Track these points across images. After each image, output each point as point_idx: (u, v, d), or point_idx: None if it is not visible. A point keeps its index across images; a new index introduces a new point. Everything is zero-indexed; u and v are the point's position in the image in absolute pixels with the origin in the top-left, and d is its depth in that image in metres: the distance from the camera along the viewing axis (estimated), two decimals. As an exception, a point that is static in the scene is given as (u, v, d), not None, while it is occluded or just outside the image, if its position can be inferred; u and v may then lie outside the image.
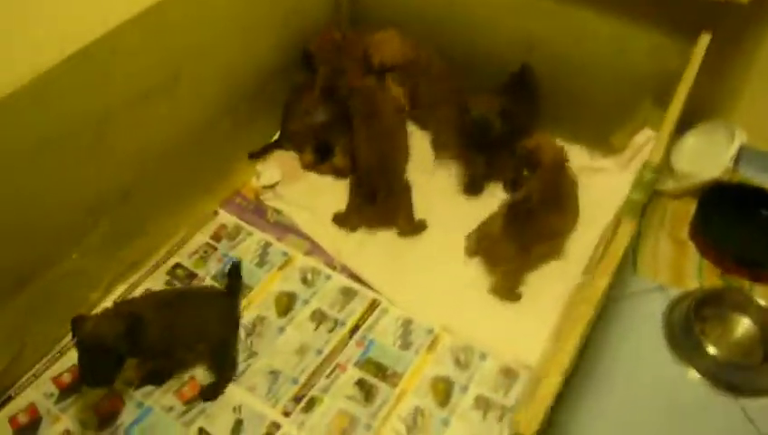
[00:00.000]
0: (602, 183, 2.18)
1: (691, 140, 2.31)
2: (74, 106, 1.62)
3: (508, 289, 1.91)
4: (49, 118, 1.58)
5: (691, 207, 2.20)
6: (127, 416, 1.68)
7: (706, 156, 2.24)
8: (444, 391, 1.74)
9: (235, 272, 1.88)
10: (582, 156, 2.24)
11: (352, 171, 2.13)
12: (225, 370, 1.74)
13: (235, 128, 2.19)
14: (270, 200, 2.22)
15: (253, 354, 1.82)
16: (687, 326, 1.85)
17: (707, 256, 2.07)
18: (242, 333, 1.86)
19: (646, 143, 2.18)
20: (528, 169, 2.00)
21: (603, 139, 2.29)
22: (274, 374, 1.78)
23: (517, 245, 1.84)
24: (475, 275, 1.99)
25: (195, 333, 1.68)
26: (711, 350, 1.79)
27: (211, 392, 1.72)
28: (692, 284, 2.02)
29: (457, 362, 1.80)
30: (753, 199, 2.16)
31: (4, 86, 1.45)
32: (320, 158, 2.30)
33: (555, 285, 1.93)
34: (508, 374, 1.77)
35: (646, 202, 1.37)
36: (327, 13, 2.43)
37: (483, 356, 1.81)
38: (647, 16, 1.97)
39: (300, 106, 2.27)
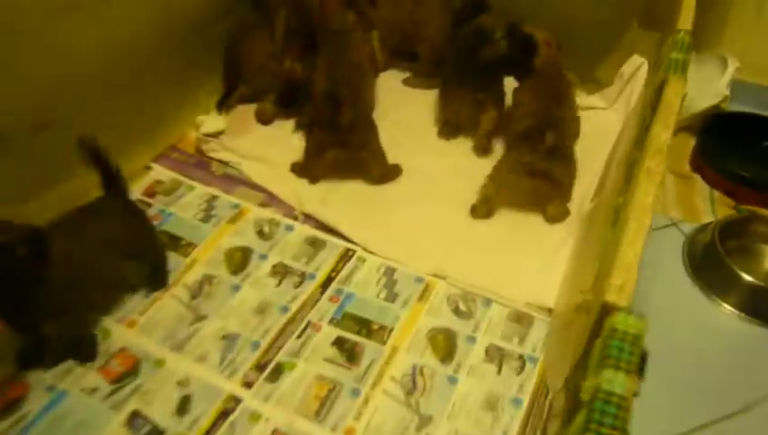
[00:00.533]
0: (592, 123, 1.95)
1: (691, 69, 2.11)
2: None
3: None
4: None
5: (689, 141, 1.99)
6: (33, 403, 1.27)
7: (699, 87, 2.04)
8: (445, 344, 1.41)
9: (98, 158, 1.35)
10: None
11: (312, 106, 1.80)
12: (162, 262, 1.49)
13: (171, 71, 1.83)
14: (214, 152, 1.86)
15: (200, 318, 1.44)
16: (715, 258, 1.59)
17: (718, 186, 1.84)
18: (185, 294, 1.48)
19: (636, 73, 1.96)
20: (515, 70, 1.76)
21: (587, 73, 2.06)
22: (230, 339, 1.40)
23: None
24: (465, 217, 1.69)
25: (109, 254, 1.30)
26: (746, 278, 1.53)
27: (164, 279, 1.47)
28: (706, 217, 1.79)
29: (457, 311, 1.47)
30: (754, 127, 1.96)
31: None
32: (283, 109, 1.97)
33: (554, 229, 1.66)
34: (520, 320, 1.46)
35: (688, 62, 1.11)
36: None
37: (487, 302, 1.49)
38: None
39: (257, 48, 1.94)
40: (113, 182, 1.38)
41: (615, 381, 0.63)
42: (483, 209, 1.67)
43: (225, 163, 1.84)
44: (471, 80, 1.81)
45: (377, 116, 1.83)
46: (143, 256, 1.43)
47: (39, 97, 1.47)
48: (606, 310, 0.69)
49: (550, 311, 1.46)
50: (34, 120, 1.48)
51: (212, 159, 1.86)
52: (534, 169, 1.57)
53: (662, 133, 0.92)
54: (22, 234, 1.06)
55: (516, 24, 1.73)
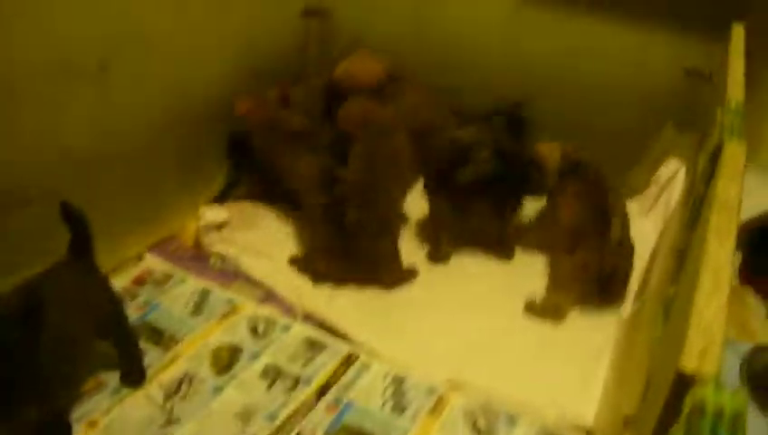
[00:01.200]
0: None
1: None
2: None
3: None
4: None
5: (734, 257, 1.80)
6: None
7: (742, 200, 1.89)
8: (461, 468, 1.17)
9: (72, 216, 1.20)
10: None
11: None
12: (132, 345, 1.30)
13: (173, 156, 1.74)
14: (214, 245, 1.71)
15: (173, 422, 1.22)
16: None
17: (773, 300, 1.63)
18: (158, 393, 1.28)
19: (673, 177, 1.82)
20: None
21: (619, 177, 1.92)
22: (204, 447, 1.17)
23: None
24: (488, 320, 1.49)
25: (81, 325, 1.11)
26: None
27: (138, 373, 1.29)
28: (762, 334, 1.56)
29: (476, 429, 1.24)
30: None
31: None
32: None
33: (592, 334, 1.45)
34: (552, 441, 1.21)
35: (743, 129, 0.97)
36: (296, 41, 2.11)
37: (511, 420, 1.26)
38: (662, 17, 1.70)
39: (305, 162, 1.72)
40: (81, 243, 1.22)
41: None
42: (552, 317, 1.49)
43: (224, 258, 1.68)
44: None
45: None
46: (108, 332, 1.24)
47: (23, 167, 1.36)
48: (684, 383, 0.50)
49: (588, 433, 1.22)
50: (17, 194, 1.36)
51: (211, 252, 1.70)
52: (603, 273, 1.40)
53: (729, 188, 0.75)
54: (15, 303, 0.90)
55: (503, 140, 1.59)
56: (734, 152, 0.86)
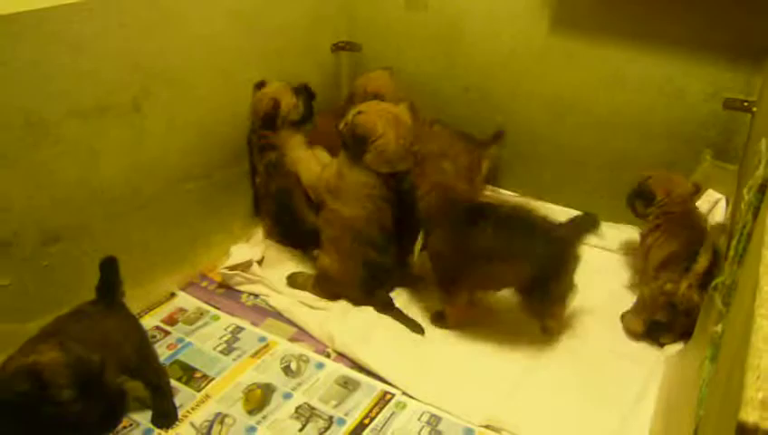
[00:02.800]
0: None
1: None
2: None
3: None
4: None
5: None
6: None
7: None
8: None
9: (108, 268, 1.24)
10: (634, 235, 1.75)
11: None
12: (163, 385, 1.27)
13: (204, 196, 1.75)
14: (241, 284, 1.70)
15: (206, 464, 1.20)
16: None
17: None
18: None
19: (713, 209, 1.77)
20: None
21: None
22: (237, 492, 1.15)
23: None
24: (525, 359, 1.45)
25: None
26: None
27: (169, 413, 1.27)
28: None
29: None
30: None
31: None
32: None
33: (635, 373, 1.40)
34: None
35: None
36: (327, 76, 2.14)
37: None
38: (699, 48, 1.67)
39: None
40: (108, 284, 1.22)
41: None
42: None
43: (256, 295, 1.68)
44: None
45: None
46: (138, 371, 1.23)
47: (53, 205, 1.38)
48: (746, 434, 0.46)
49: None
50: (46, 230, 1.38)
51: (242, 290, 1.69)
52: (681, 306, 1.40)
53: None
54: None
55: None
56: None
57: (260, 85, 1.80)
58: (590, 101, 1.84)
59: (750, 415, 0.48)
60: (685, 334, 1.42)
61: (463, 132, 1.92)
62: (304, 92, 1.82)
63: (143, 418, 1.30)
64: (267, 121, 1.75)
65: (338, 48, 2.13)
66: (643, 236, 1.63)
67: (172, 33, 1.56)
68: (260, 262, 1.77)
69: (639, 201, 1.65)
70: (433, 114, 1.92)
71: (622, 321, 1.54)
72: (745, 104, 1.65)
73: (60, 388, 0.95)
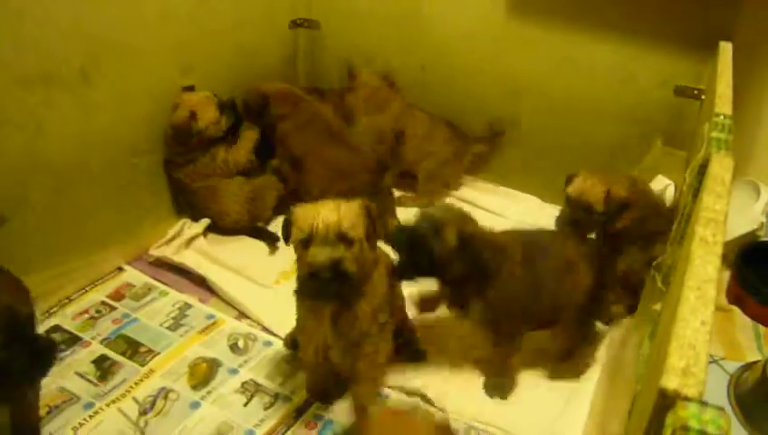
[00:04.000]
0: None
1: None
2: None
3: None
4: None
5: (723, 273, 1.78)
6: None
7: (731, 215, 1.87)
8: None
9: None
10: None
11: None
12: None
13: (156, 171, 1.72)
14: (186, 257, 1.67)
15: (146, 439, 1.19)
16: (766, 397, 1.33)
17: (761, 319, 1.61)
18: (133, 409, 1.24)
19: (662, 194, 1.80)
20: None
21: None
22: (177, 467, 1.14)
23: None
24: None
25: None
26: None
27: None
28: (751, 354, 1.54)
29: (459, 448, 1.21)
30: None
31: None
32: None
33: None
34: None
35: (730, 142, 0.96)
36: (285, 52, 2.11)
37: (496, 439, 1.22)
38: (652, 36, 1.69)
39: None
40: None
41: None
42: None
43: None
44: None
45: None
46: None
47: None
48: (666, 402, 0.47)
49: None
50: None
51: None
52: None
53: (715, 203, 0.73)
54: None
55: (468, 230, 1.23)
56: (721, 166, 0.84)
57: (187, 89, 1.70)
58: (545, 84, 1.85)
59: (671, 382, 0.49)
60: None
61: (446, 120, 1.93)
62: (229, 109, 1.73)
63: (84, 392, 1.27)
64: (179, 135, 1.66)
65: (296, 25, 2.09)
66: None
67: (123, 1, 1.51)
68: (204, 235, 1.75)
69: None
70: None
71: None
72: (695, 92, 1.68)
73: None
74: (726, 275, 1.77)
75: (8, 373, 0.93)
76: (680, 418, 0.45)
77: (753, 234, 1.79)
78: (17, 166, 1.38)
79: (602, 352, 1.39)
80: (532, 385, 1.35)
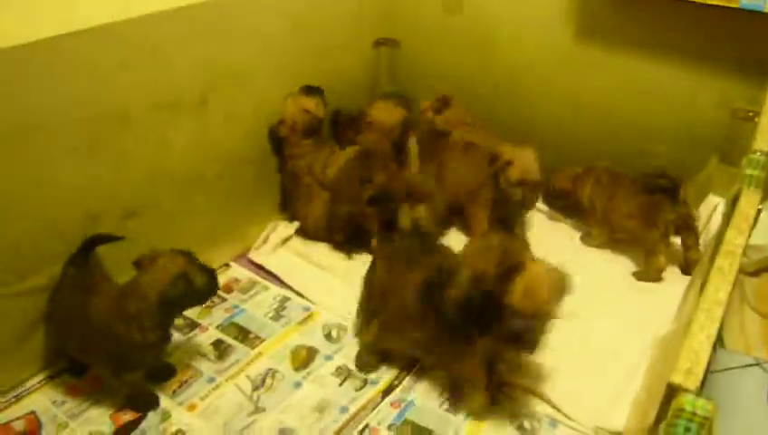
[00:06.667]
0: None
1: (763, 215, 2.06)
2: (76, 87, 1.42)
3: None
4: (31, 99, 1.35)
5: (772, 283, 1.91)
6: None
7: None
8: (506, 462, 1.34)
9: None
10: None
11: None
12: None
13: (261, 178, 1.99)
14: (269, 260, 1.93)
15: (259, 410, 1.44)
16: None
17: (807, 328, 1.73)
18: (247, 385, 1.50)
19: (712, 214, 1.94)
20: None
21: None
22: (286, 433, 1.39)
23: None
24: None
25: None
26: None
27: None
28: (794, 357, 1.66)
29: (522, 430, 1.41)
30: None
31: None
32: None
33: (631, 352, 1.59)
34: (588, 444, 1.37)
35: (762, 179, 1.11)
36: (368, 70, 2.34)
37: (553, 423, 1.42)
38: (711, 60, 1.83)
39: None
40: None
41: (681, 458, 0.59)
42: None
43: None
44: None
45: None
46: None
47: (133, 185, 1.62)
48: (671, 392, 0.67)
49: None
50: (125, 207, 1.61)
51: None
52: None
53: (736, 238, 0.91)
54: None
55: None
56: (748, 202, 1.01)
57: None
58: (605, 104, 2.01)
59: (677, 378, 0.68)
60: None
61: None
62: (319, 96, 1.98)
63: (207, 368, 1.54)
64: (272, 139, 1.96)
65: (379, 44, 2.31)
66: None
67: (235, 36, 1.76)
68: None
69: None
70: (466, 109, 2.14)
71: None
72: (750, 114, 1.81)
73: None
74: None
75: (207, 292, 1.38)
76: (679, 403, 0.64)
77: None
78: (148, 174, 1.65)
79: (650, 357, 1.55)
80: (583, 374, 1.53)
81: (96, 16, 1.44)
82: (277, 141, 1.96)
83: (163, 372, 1.51)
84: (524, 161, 1.84)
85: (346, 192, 1.91)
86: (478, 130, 2.09)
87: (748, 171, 1.12)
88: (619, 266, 1.91)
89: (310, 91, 1.96)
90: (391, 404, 1.46)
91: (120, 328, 1.29)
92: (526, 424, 1.42)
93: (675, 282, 1.81)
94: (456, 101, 2.15)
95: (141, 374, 1.39)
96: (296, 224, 2.02)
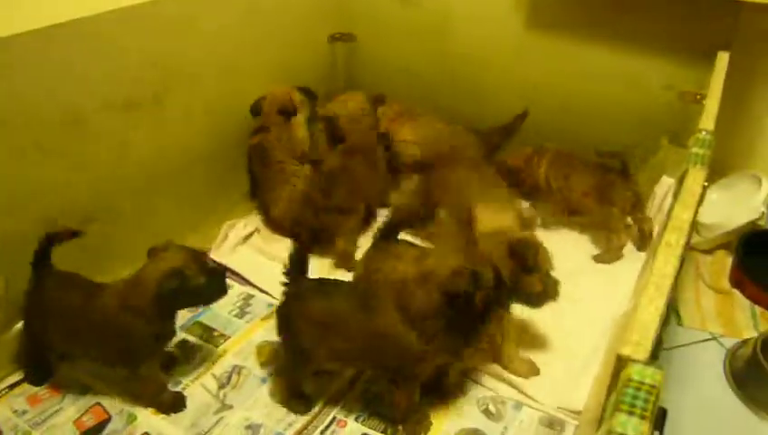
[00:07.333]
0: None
1: (714, 196, 2.13)
2: (27, 87, 1.40)
3: None
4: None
5: (725, 259, 1.97)
6: None
7: (734, 206, 2.05)
8: (474, 445, 1.36)
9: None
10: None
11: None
12: None
13: (217, 172, 1.97)
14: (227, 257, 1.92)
15: (226, 407, 1.44)
16: (758, 372, 1.53)
17: (759, 301, 1.80)
18: (213, 384, 1.49)
19: (667, 194, 1.99)
20: None
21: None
22: (253, 429, 1.38)
23: None
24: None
25: None
26: (797, 394, 1.46)
27: None
28: (747, 332, 1.73)
29: (488, 413, 1.43)
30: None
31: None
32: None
33: (591, 333, 1.63)
34: (552, 424, 1.40)
35: (707, 157, 1.15)
36: (324, 65, 2.34)
37: (517, 406, 1.45)
38: (658, 44, 1.88)
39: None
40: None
41: (628, 424, 0.61)
42: None
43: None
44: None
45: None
46: None
47: (90, 189, 1.60)
48: (621, 363, 0.69)
49: (578, 414, 1.41)
50: (83, 212, 1.59)
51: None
52: None
53: (683, 213, 0.93)
54: None
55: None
56: (694, 180, 1.04)
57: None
58: (558, 90, 2.05)
59: (626, 350, 0.70)
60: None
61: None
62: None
63: (174, 371, 1.53)
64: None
65: (334, 39, 2.31)
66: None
67: (186, 33, 1.75)
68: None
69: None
70: (422, 101, 2.15)
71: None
72: (698, 96, 1.86)
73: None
74: (729, 260, 1.96)
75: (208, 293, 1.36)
76: (627, 373, 0.66)
77: (754, 223, 1.96)
78: (105, 177, 1.64)
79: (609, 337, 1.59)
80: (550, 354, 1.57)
81: (42, 16, 1.42)
82: (256, 112, 1.98)
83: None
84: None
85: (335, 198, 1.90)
86: (430, 119, 2.14)
87: (694, 150, 1.16)
88: (579, 251, 1.94)
89: (305, 91, 2.01)
90: (361, 394, 1.47)
91: (127, 318, 1.30)
92: (491, 407, 1.44)
93: (633, 260, 1.85)
94: (389, 99, 2.16)
95: (157, 366, 1.41)
96: (256, 222, 2.01)
